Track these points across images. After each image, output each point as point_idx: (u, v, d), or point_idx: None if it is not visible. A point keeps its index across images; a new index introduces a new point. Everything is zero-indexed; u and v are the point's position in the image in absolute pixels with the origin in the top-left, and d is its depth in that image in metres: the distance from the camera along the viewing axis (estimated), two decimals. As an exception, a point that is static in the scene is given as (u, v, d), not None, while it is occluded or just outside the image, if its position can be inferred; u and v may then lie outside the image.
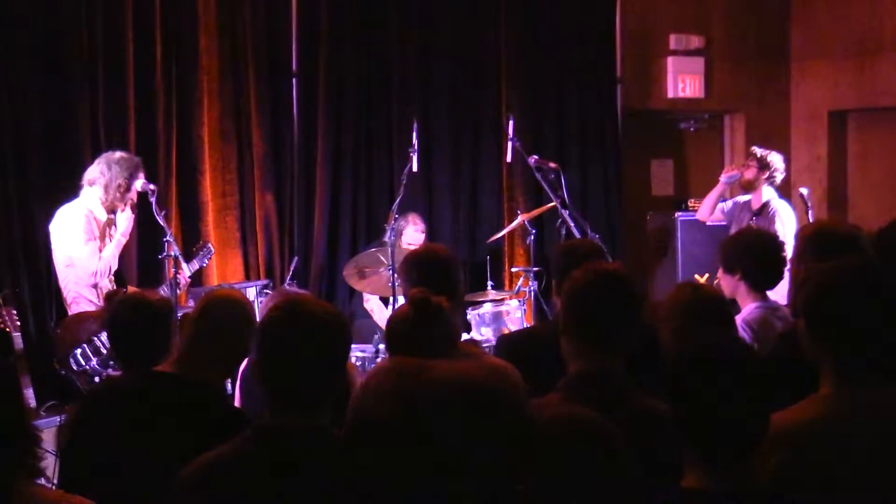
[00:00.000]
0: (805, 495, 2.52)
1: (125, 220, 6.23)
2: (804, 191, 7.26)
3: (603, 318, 2.94)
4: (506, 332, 6.53)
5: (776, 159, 7.32)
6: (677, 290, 3.60)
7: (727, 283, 4.47)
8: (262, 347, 2.54)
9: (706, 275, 7.80)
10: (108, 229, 6.23)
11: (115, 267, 6.24)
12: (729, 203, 7.63)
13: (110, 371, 5.65)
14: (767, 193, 7.27)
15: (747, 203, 7.41)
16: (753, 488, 2.30)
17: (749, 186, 7.37)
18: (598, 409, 2.35)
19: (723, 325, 3.46)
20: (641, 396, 2.89)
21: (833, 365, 2.64)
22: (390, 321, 3.27)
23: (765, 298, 4.41)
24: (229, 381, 4.62)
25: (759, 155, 7.35)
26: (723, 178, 7.58)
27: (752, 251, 4.40)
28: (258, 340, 2.55)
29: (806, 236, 3.81)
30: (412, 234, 7.31)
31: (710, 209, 7.66)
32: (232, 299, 3.38)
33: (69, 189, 6.35)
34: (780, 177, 7.33)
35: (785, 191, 7.69)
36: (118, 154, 6.25)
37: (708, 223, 7.85)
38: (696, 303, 3.44)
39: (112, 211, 6.21)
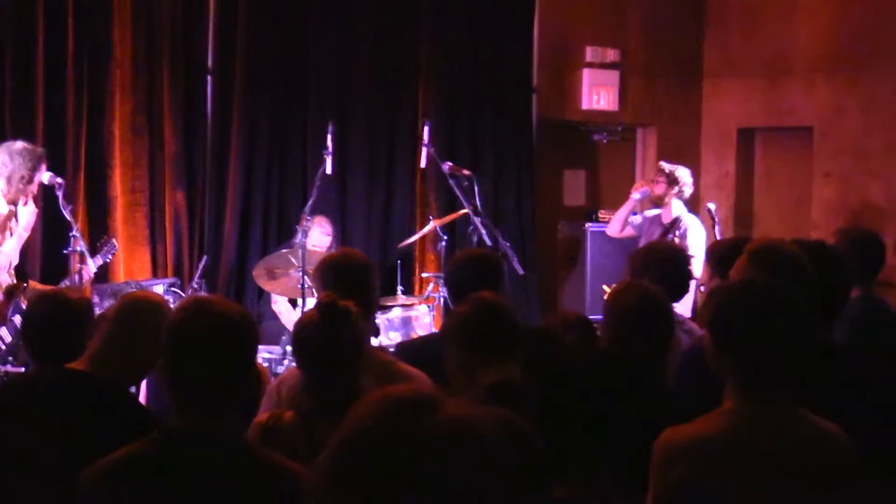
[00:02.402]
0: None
1: (28, 213, 6.06)
2: (712, 206, 7.40)
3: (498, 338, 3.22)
4: (413, 336, 6.54)
5: (684, 174, 7.44)
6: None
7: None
8: (167, 347, 2.51)
9: (614, 285, 7.88)
10: (8, 222, 6.06)
11: (15, 261, 6.07)
12: (639, 217, 7.73)
13: (9, 367, 5.52)
14: (677, 208, 7.37)
15: (657, 217, 7.52)
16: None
17: (659, 201, 7.48)
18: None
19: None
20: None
21: (736, 381, 2.67)
22: (297, 325, 3.24)
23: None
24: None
25: (667, 170, 7.46)
26: (633, 194, 7.67)
27: (658, 264, 4.47)
28: (164, 340, 2.52)
29: (750, 251, 3.81)
30: (318, 237, 7.26)
31: (621, 225, 7.75)
32: (150, 302, 3.33)
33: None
34: (688, 191, 7.45)
35: (694, 206, 7.82)
36: (20, 144, 6.03)
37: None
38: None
39: (13, 203, 6.03)
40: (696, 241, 7.10)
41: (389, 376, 3.43)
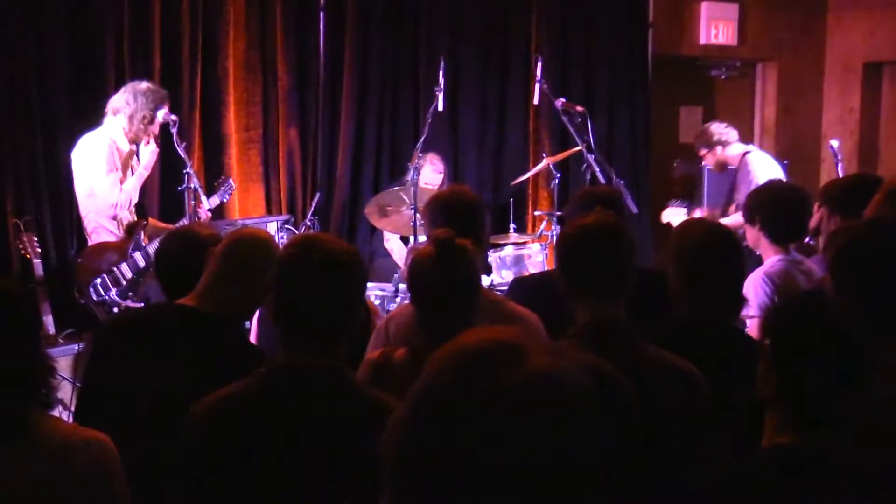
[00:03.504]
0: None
1: (149, 153, 6.16)
2: (835, 143, 7.18)
3: (594, 269, 2.91)
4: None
5: (712, 128, 7.33)
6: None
7: (750, 234, 4.46)
8: (276, 284, 2.52)
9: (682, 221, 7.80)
10: (130, 160, 6.18)
11: (135, 200, 6.18)
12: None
13: (129, 302, 5.65)
14: (738, 150, 7.22)
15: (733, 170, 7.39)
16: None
17: (722, 167, 7.36)
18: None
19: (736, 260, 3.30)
20: (650, 348, 2.85)
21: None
22: (413, 260, 3.20)
23: (787, 251, 4.36)
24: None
25: (698, 140, 7.39)
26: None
27: (770, 201, 4.36)
28: (273, 277, 2.52)
29: (889, 189, 3.60)
30: (429, 174, 7.25)
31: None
32: (258, 238, 3.33)
33: (93, 118, 6.28)
34: (732, 136, 7.27)
35: (815, 143, 7.58)
36: (145, 84, 6.15)
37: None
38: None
39: (135, 142, 6.14)
40: (761, 176, 6.86)
41: (499, 316, 3.40)
